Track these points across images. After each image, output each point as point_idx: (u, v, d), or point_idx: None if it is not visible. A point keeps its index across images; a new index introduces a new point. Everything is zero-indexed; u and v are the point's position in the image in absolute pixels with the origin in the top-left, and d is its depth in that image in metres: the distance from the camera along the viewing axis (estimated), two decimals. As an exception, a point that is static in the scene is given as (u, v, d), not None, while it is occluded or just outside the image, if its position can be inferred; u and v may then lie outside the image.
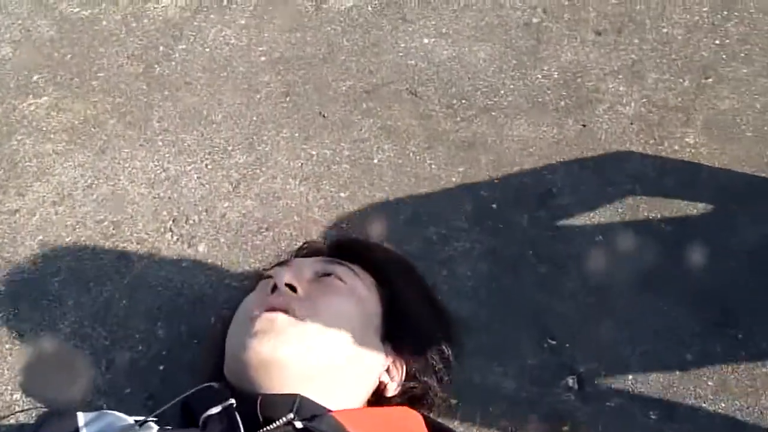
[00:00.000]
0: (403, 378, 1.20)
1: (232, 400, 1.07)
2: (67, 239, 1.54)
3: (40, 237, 1.55)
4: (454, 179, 1.54)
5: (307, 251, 1.35)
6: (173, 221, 1.55)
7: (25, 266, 1.50)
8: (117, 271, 1.49)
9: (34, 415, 1.33)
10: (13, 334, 1.41)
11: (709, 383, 1.27)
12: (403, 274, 1.28)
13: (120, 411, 1.30)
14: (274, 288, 1.16)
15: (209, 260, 1.49)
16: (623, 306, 1.35)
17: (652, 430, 1.22)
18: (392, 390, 1.18)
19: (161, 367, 1.37)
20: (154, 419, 1.10)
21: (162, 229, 1.54)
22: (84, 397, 1.33)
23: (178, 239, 1.52)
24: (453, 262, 1.44)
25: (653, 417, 1.23)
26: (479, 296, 1.39)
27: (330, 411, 1.07)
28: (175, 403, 1.10)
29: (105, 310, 1.44)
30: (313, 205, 1.54)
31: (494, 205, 1.50)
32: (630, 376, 1.28)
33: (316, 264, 1.22)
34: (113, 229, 1.55)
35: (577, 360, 1.30)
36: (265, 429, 1.03)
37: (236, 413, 1.06)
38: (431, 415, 1.20)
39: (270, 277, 1.23)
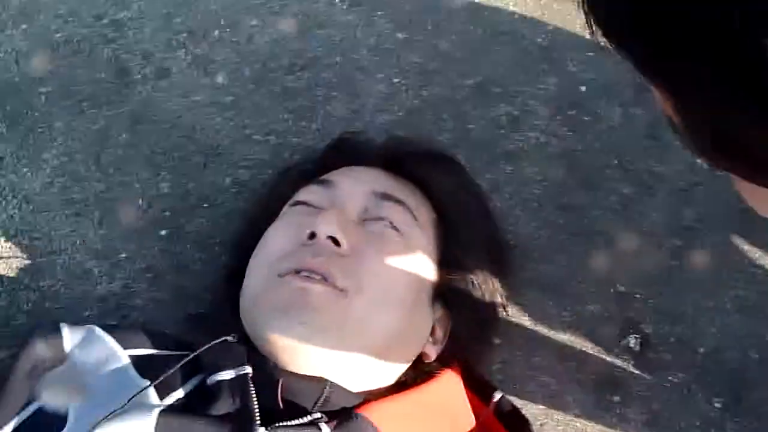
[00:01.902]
0: (447, 338, 1.02)
1: (248, 369, 0.90)
2: (57, 35, 1.25)
3: (24, 26, 1.26)
4: (539, 40, 1.23)
5: (347, 150, 1.09)
6: (188, 34, 1.25)
7: (5, 63, 1.24)
8: (117, 92, 1.23)
9: (14, 267, 1.16)
10: (-9, 158, 1.19)
11: (790, 376, 1.10)
12: (472, 211, 1.04)
13: (114, 278, 1.15)
14: (313, 236, 0.93)
15: (228, 98, 1.22)
16: (716, 262, 1.13)
17: (712, 421, 1.07)
18: (432, 355, 1.01)
19: (163, 233, 1.17)
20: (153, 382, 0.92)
21: (174, 43, 1.25)
22: (71, 253, 1.16)
23: (192, 61, 1.24)
24: (521, 157, 1.19)
25: (717, 405, 1.08)
26: (545, 211, 1.16)
27: (361, 406, 0.90)
28: (180, 367, 0.92)
29: (101, 144, 1.21)
30: (361, 43, 1.24)
31: (583, 88, 1.21)
32: (701, 350, 1.10)
33: (365, 198, 0.98)
34: (114, 31, 1.26)
35: (646, 317, 1.12)
36: (284, 424, 0.87)
37: (251, 386, 0.89)
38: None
39: (302, 203, 0.99)
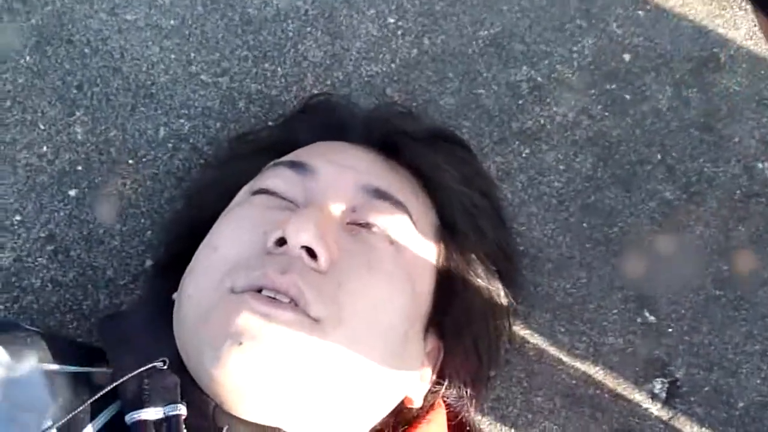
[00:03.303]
0: (436, 375, 0.79)
1: (182, 409, 0.66)
2: None
3: None
4: (578, -11, 0.97)
5: (324, 119, 0.83)
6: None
7: None
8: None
9: None
10: None
11: None
12: (484, 216, 0.80)
13: (4, 247, 0.89)
14: (282, 242, 0.68)
15: (171, 21, 0.93)
16: (768, 300, 0.92)
17: (744, 495, 0.88)
18: (418, 400, 0.77)
19: (71, 193, 0.90)
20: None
21: (103, -62, 0.94)
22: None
23: (126, -34, 0.94)
24: (542, 138, 0.93)
25: (752, 476, 0.88)
26: (566, 211, 0.92)
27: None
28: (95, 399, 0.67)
29: None
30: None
31: (628, 57, 0.95)
32: (741, 405, 0.89)
33: (353, 194, 0.73)
34: None
35: (677, 358, 0.90)
36: None
37: (184, 431, 0.65)
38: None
39: (268, 192, 0.73)
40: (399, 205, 0.73)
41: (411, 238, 0.73)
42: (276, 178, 0.74)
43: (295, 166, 0.75)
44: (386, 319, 0.70)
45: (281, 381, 0.65)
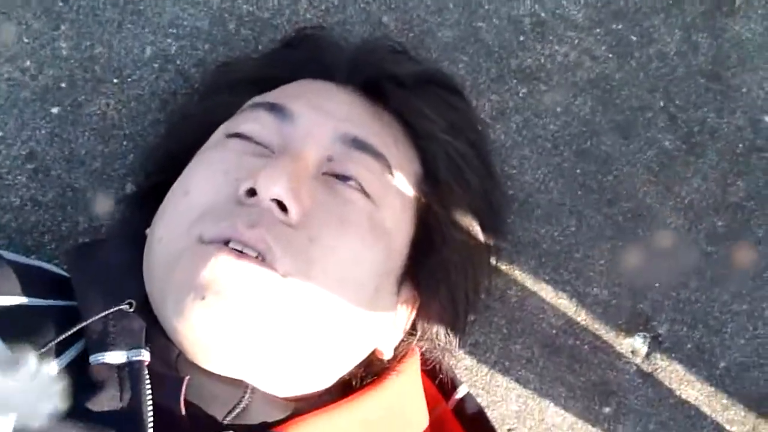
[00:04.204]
0: (408, 328, 0.78)
1: (145, 355, 0.66)
2: None
3: None
4: None
5: (310, 55, 0.79)
6: None
7: None
8: None
9: None
10: None
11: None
12: (471, 165, 0.77)
13: None
14: (253, 192, 0.66)
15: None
16: (762, 256, 0.89)
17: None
18: (389, 351, 0.76)
19: (54, 110, 0.88)
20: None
21: None
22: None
23: None
24: (540, 78, 0.89)
25: (729, 435, 0.88)
26: (560, 155, 0.89)
27: (285, 422, 0.67)
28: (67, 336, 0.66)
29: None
30: None
31: (636, -4, 0.91)
32: (722, 364, 0.88)
33: (330, 142, 0.70)
34: None
35: (661, 314, 0.88)
36: None
37: (147, 379, 0.65)
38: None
39: (243, 136, 0.71)
40: (378, 156, 0.71)
41: (389, 192, 0.71)
42: (253, 122, 0.72)
43: (274, 109, 0.71)
44: (357, 275, 0.68)
45: (244, 336, 0.64)
